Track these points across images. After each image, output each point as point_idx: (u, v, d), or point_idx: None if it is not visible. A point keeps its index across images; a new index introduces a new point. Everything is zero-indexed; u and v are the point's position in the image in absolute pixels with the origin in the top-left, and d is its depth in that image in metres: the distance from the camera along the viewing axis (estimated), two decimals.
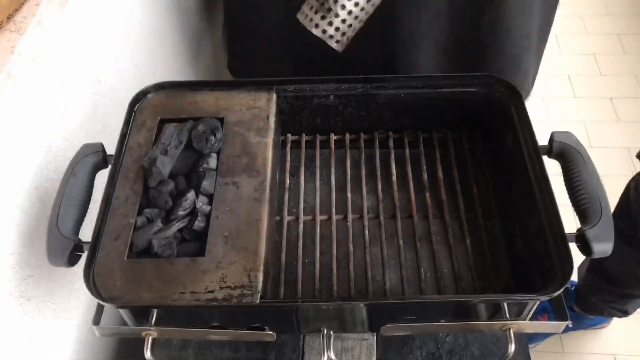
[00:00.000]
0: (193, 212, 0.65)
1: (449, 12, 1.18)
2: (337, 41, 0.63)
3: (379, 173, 0.81)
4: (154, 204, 0.66)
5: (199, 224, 0.64)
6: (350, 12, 0.61)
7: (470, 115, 0.80)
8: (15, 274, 0.67)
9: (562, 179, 0.67)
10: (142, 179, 0.67)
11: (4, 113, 0.63)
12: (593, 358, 1.18)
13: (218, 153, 0.70)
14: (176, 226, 0.64)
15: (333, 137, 0.85)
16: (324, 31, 0.63)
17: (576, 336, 1.22)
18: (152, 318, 0.61)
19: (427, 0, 1.12)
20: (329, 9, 0.60)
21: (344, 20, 0.62)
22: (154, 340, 0.62)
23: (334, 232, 0.76)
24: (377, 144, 0.84)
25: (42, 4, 0.68)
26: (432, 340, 0.73)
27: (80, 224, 0.64)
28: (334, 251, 0.74)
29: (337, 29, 0.63)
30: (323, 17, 0.61)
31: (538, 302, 0.61)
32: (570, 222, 0.64)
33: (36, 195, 0.70)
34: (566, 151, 0.68)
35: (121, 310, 0.61)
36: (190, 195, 0.65)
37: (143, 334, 0.61)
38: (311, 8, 0.62)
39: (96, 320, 0.62)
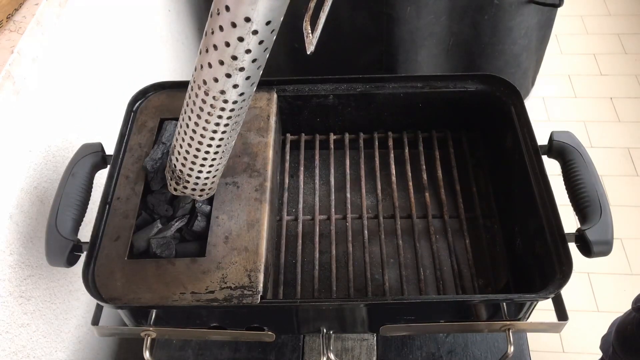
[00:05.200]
0: (193, 212, 0.65)
1: (449, 12, 1.18)
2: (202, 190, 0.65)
3: (378, 173, 0.81)
4: (152, 211, 0.66)
5: (199, 223, 0.64)
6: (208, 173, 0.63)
7: (470, 115, 0.80)
8: (15, 274, 0.67)
9: (562, 178, 0.68)
10: (142, 179, 0.67)
11: (3, 113, 0.63)
12: (593, 358, 1.17)
13: None
14: (175, 226, 0.64)
15: (332, 137, 0.85)
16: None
17: (576, 336, 1.22)
18: (150, 318, 0.60)
19: (427, 0, 1.12)
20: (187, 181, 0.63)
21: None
22: (152, 340, 0.62)
23: (333, 231, 0.76)
24: (377, 143, 0.84)
25: (41, 4, 0.68)
26: (432, 341, 0.73)
27: (79, 224, 0.64)
28: (333, 251, 0.74)
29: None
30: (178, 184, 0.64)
31: (537, 302, 0.61)
32: (570, 222, 0.64)
33: (36, 195, 0.70)
34: (566, 151, 0.68)
35: (120, 311, 0.60)
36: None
37: (142, 334, 0.61)
38: (171, 179, 0.65)
39: (95, 321, 0.62)
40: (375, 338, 0.73)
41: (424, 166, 0.81)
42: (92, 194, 0.68)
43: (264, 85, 0.76)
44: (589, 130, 1.57)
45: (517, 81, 1.42)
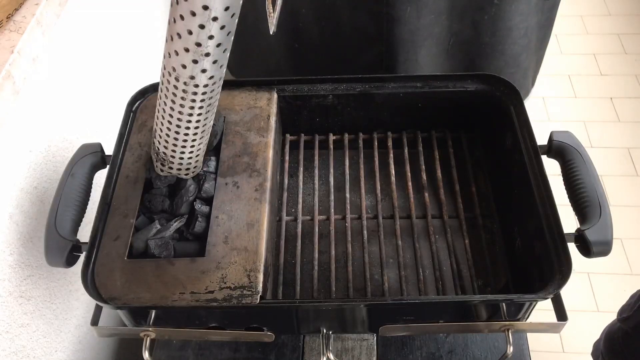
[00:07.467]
0: (192, 213, 0.65)
1: (449, 12, 1.18)
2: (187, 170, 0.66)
3: (377, 173, 0.81)
4: (149, 209, 0.66)
5: (200, 224, 0.64)
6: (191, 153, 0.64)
7: (470, 115, 0.80)
8: (15, 274, 0.67)
9: (561, 178, 0.67)
10: (142, 179, 0.67)
11: (3, 113, 0.63)
12: None
13: (218, 153, 0.70)
14: (174, 226, 0.64)
15: (332, 137, 0.85)
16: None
17: (576, 336, 1.22)
18: (150, 318, 0.60)
19: (427, 0, 1.13)
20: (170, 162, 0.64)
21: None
22: (152, 340, 0.62)
23: (333, 232, 0.76)
24: (376, 143, 0.83)
25: (41, 4, 0.68)
26: (432, 340, 0.73)
27: (79, 225, 0.64)
28: (333, 251, 0.74)
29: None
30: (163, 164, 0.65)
31: (537, 303, 0.61)
32: (569, 222, 0.64)
33: (36, 195, 0.70)
34: (565, 151, 0.68)
35: (119, 311, 0.60)
36: (192, 187, 0.65)
37: (141, 334, 0.61)
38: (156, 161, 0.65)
39: (94, 321, 0.62)
40: (375, 338, 0.73)
41: (424, 166, 0.81)
42: (91, 194, 0.68)
43: (264, 85, 0.77)
44: (589, 130, 1.57)
45: (517, 81, 1.42)
